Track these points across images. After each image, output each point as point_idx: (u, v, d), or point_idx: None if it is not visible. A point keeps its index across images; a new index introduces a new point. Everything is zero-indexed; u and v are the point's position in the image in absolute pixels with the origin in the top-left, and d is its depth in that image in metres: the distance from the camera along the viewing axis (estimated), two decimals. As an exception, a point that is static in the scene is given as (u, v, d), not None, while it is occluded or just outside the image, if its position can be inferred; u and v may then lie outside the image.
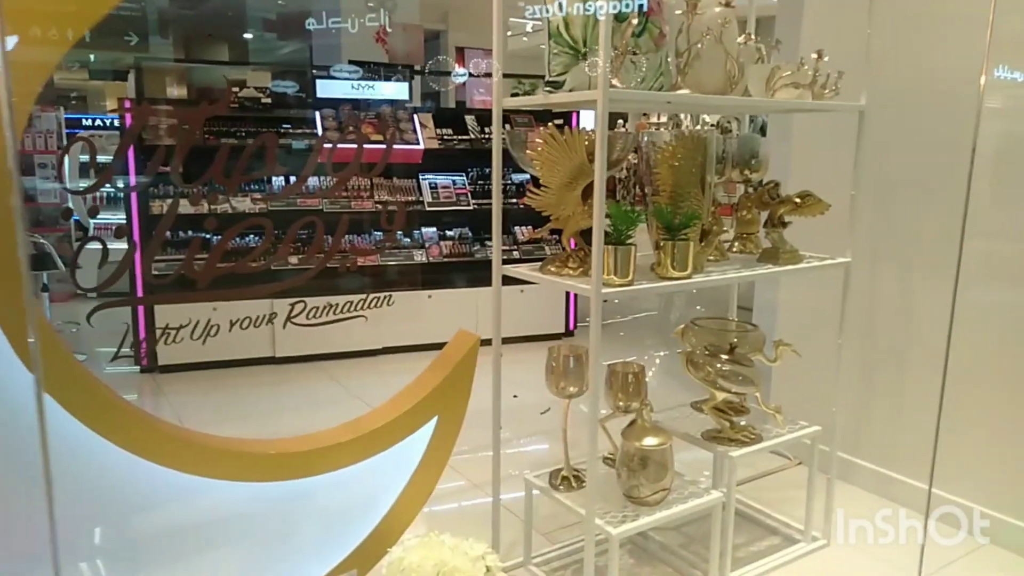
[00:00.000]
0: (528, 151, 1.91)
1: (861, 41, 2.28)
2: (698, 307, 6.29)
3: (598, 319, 1.76)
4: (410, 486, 1.93)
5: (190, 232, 4.25)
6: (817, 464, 2.40)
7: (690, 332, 2.37)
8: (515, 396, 4.02)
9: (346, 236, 4.53)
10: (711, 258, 2.28)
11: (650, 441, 2.03)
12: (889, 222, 2.72)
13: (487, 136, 4.84)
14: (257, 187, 4.33)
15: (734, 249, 2.43)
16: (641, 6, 1.90)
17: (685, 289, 1.93)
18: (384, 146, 4.44)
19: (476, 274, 4.50)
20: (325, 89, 4.51)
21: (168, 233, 4.25)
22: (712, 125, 2.42)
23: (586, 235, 1.96)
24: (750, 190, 2.34)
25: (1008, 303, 2.41)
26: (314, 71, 4.51)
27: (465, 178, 4.83)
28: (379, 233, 4.62)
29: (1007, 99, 2.41)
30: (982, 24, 2.33)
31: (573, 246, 2.01)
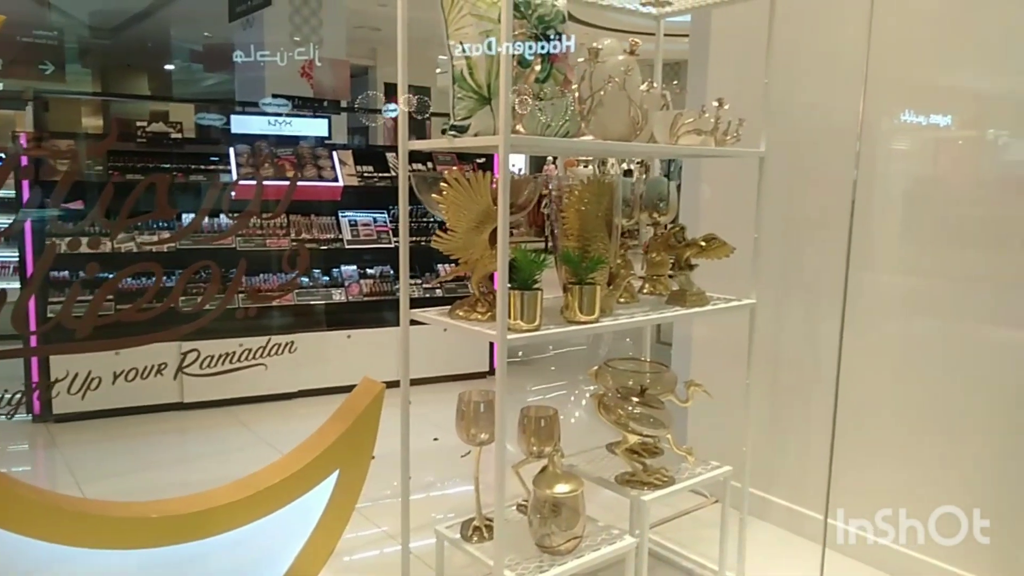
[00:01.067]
0: (433, 194, 1.88)
1: (763, 88, 2.36)
2: (627, 339, 6.36)
3: (503, 365, 1.72)
4: (310, 543, 1.83)
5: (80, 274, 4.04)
6: (731, 502, 2.42)
7: (604, 373, 2.36)
8: (436, 439, 3.94)
9: (260, 275, 4.41)
10: (621, 300, 2.29)
11: (561, 488, 2.00)
12: (794, 262, 2.81)
13: (412, 172, 4.81)
14: (167, 225, 4.16)
15: (644, 291, 2.45)
16: (545, 52, 1.91)
17: (592, 333, 1.92)
18: (301, 183, 4.35)
19: (397, 313, 4.40)
20: (240, 125, 4.39)
21: (68, 274, 4.05)
22: (638, 164, 2.45)
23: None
24: (659, 233, 2.37)
25: (917, 334, 2.50)
26: (235, 107, 4.40)
27: (387, 216, 4.77)
28: (293, 272, 4.49)
29: (912, 142, 2.55)
30: (874, 71, 2.47)
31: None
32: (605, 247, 2.03)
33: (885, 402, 2.57)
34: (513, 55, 1.79)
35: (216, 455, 3.80)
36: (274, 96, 5.14)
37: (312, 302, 4.46)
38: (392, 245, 4.65)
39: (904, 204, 2.57)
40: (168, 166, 4.10)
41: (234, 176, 4.17)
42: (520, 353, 5.81)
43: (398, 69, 1.97)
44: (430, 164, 4.85)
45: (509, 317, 1.79)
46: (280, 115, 4.28)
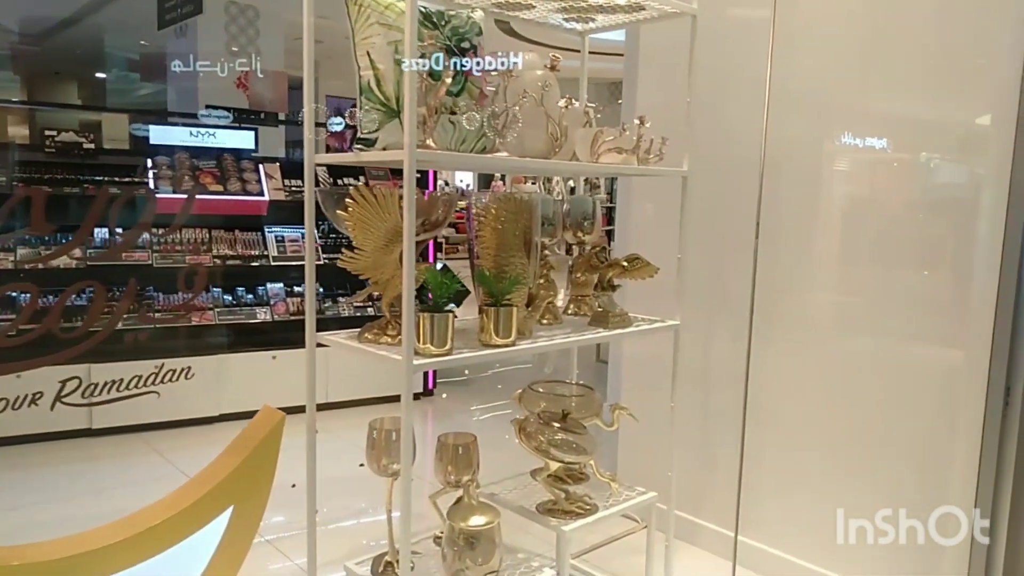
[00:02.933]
0: (339, 211, 1.78)
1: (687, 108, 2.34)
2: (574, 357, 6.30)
3: (409, 394, 1.62)
4: (202, 587, 1.69)
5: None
6: (658, 526, 2.36)
7: (528, 397, 2.28)
8: (362, 465, 3.79)
9: (178, 293, 4.21)
10: (544, 321, 2.22)
11: (477, 520, 1.90)
12: (725, 282, 2.79)
13: (340, 187, 4.68)
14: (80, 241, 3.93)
15: (569, 311, 2.39)
16: (459, 65, 1.84)
17: (509, 357, 1.84)
18: (224, 197, 4.18)
19: (327, 332, 4.26)
20: (161, 136, 4.20)
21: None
22: (585, 181, 2.39)
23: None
24: (583, 253, 2.31)
25: (855, 351, 2.49)
26: (169, 117, 4.19)
27: (316, 231, 4.62)
28: (217, 289, 4.31)
29: (851, 164, 2.56)
30: (814, 95, 2.48)
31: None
32: (523, 267, 1.96)
33: (813, 424, 2.56)
34: (427, 69, 1.71)
35: (128, 485, 3.57)
36: (208, 107, 4.95)
37: (235, 321, 4.27)
38: (321, 261, 4.50)
39: (843, 224, 2.58)
40: (79, 177, 3.88)
41: (151, 187, 3.98)
42: (466, 372, 5.70)
43: (303, 75, 1.87)
44: (361, 179, 4.73)
45: (418, 341, 1.69)
46: (203, 126, 4.10)
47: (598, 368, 5.47)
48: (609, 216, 5.45)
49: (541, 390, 2.30)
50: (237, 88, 7.12)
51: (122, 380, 3.73)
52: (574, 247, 2.42)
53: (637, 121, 2.12)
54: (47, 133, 3.86)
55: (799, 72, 2.53)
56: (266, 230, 4.47)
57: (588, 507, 2.18)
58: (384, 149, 1.74)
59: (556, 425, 2.12)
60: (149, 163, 4.11)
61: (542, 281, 2.27)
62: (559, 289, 2.30)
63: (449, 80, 1.70)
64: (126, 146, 3.86)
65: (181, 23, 7.82)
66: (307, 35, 1.85)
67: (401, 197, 1.77)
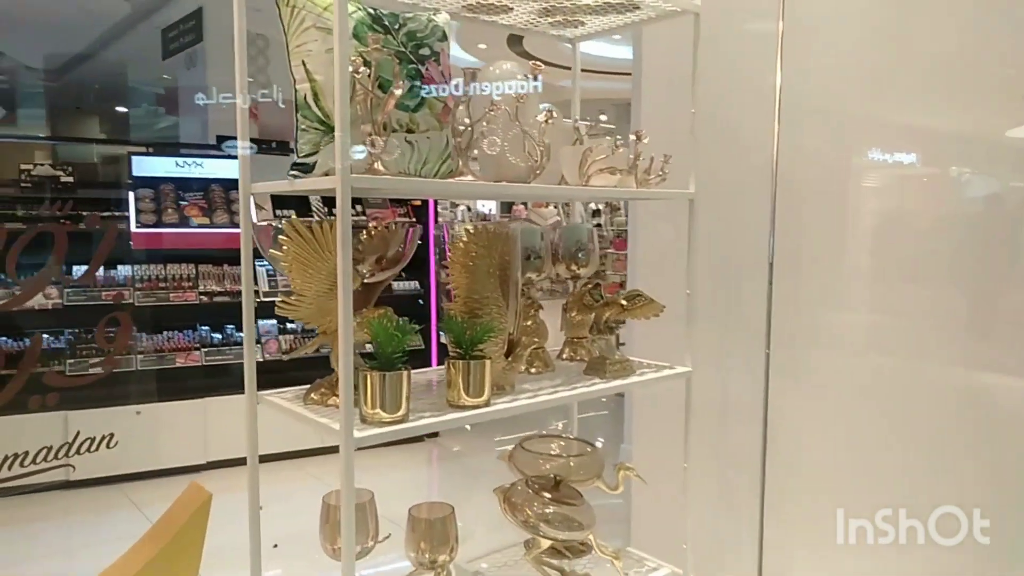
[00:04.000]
0: (272, 250, 1.50)
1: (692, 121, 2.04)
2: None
3: (350, 469, 1.32)
4: None
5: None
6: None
7: (519, 457, 1.97)
8: (275, 546, 3.49)
9: (164, 333, 3.97)
10: (533, 370, 1.91)
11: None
12: (739, 317, 2.46)
13: (333, 217, 4.43)
14: (55, 281, 3.71)
15: (564, 356, 2.08)
16: (414, 76, 1.56)
17: (481, 420, 1.53)
18: (210, 230, 3.94)
19: (322, 372, 3.98)
20: (142, 167, 3.99)
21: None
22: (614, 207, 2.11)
23: (365, 354, 1.55)
24: (575, 289, 2.01)
25: (887, 369, 2.15)
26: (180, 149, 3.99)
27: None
28: (206, 327, 4.07)
29: (881, 179, 2.26)
30: (844, 110, 2.18)
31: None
32: (499, 310, 1.66)
33: (840, 466, 2.21)
34: (372, 79, 1.44)
35: (102, 544, 3.31)
36: (219, 138, 4.76)
37: (223, 362, 4.02)
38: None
39: (884, 242, 2.27)
40: (54, 213, 3.68)
41: (132, 223, 3.76)
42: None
43: (236, 92, 1.60)
44: (359, 208, 4.48)
45: (366, 405, 1.40)
46: (190, 156, 3.89)
47: (615, 402, 5.13)
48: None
49: (534, 449, 1.99)
50: (250, 118, 6.97)
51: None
52: (569, 282, 2.12)
53: (633, 137, 1.82)
54: (22, 167, 3.67)
55: (819, 84, 2.23)
56: (256, 264, 4.22)
57: (587, 590, 1.86)
58: (325, 175, 1.46)
59: (547, 496, 1.80)
60: (132, 196, 3.90)
61: (530, 323, 1.97)
62: (547, 332, 1.99)
63: (399, 92, 1.42)
64: (71, 179, 3.64)
65: (189, 55, 7.71)
66: (239, 42, 1.59)
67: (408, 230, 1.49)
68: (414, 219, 4.50)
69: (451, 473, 4.50)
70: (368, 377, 1.39)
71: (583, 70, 2.29)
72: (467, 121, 1.50)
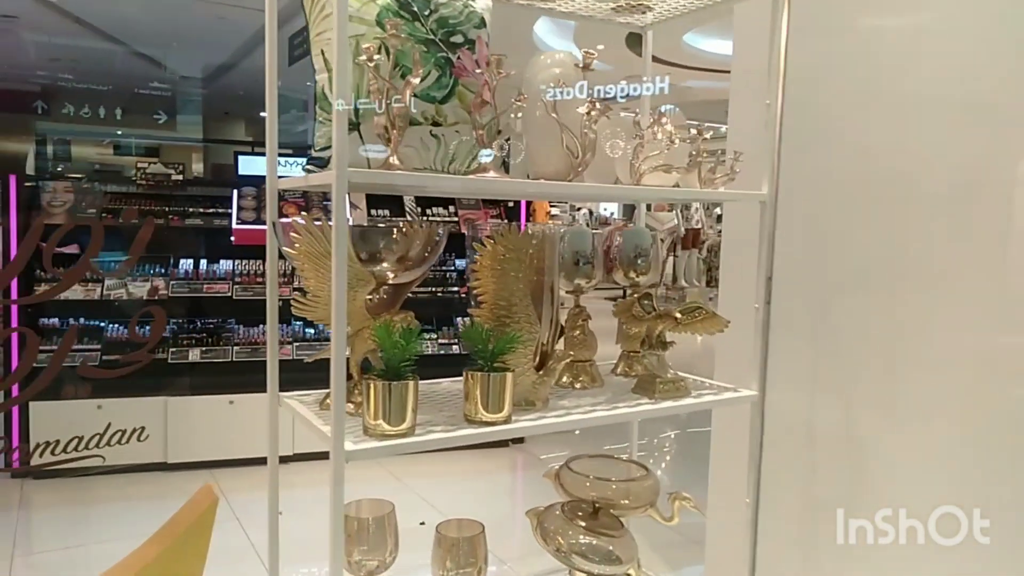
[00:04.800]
0: (284, 247, 1.44)
1: (781, 118, 1.82)
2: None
3: (339, 487, 1.23)
4: None
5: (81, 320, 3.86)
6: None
7: (566, 478, 1.83)
8: (423, 523, 3.45)
9: (258, 326, 4.10)
10: (577, 385, 1.77)
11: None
12: (831, 336, 2.18)
13: (428, 218, 4.43)
14: (163, 271, 3.93)
15: (618, 371, 1.92)
16: (443, 65, 1.46)
17: (499, 438, 1.41)
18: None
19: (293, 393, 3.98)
20: (248, 167, 4.15)
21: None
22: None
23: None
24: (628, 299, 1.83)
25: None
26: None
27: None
28: (299, 322, 4.17)
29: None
30: (996, 104, 1.86)
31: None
32: (529, 319, 1.52)
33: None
34: (390, 67, 1.35)
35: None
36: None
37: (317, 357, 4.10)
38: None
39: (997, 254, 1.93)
40: (166, 209, 3.89)
41: (234, 220, 3.91)
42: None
43: (267, 96, 1.56)
44: (452, 208, 4.46)
45: (369, 416, 1.31)
46: (288, 155, 4.01)
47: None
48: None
49: (580, 470, 1.83)
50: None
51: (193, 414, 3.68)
52: (628, 290, 1.95)
53: (694, 131, 1.63)
54: (138, 165, 3.91)
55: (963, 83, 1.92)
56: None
57: (628, 631, 1.69)
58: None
59: (582, 524, 1.64)
60: (235, 194, 4.06)
61: (577, 334, 1.82)
62: (596, 344, 1.83)
63: (416, 80, 1.32)
64: (180, 178, 3.83)
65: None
66: (270, 51, 1.55)
67: (359, 231, 1.41)
68: (506, 220, 4.42)
69: (530, 482, 4.38)
70: (371, 386, 1.30)
71: (709, 70, 2.10)
72: (492, 111, 1.38)
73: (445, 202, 4.45)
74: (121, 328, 3.83)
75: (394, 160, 1.32)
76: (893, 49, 1.96)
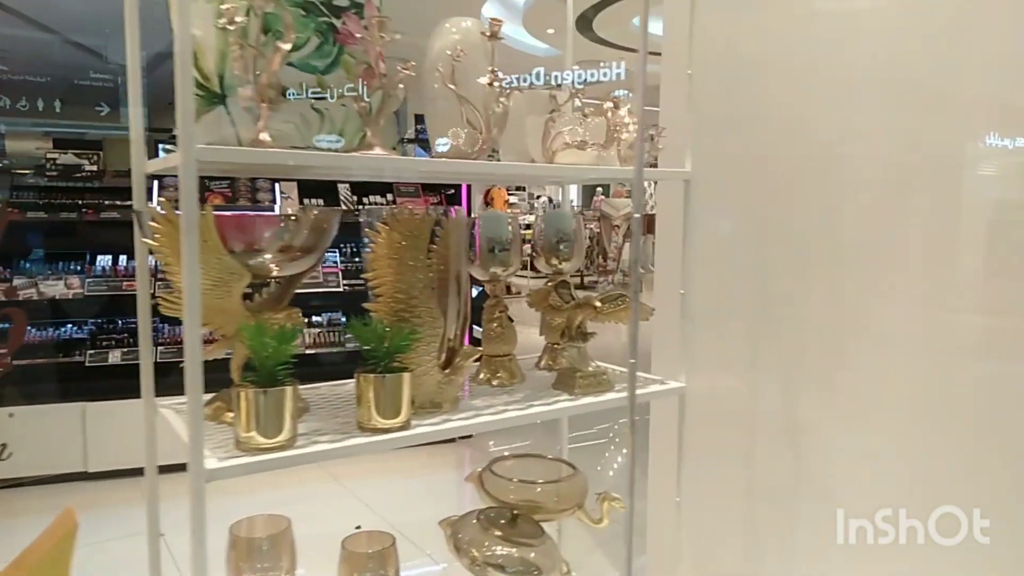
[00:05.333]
0: (144, 239, 1.28)
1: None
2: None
3: (200, 509, 1.08)
4: None
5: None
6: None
7: (488, 480, 1.70)
8: (358, 527, 3.31)
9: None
10: (495, 383, 1.63)
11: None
12: (772, 320, 2.09)
13: (365, 207, 4.25)
14: (78, 268, 3.68)
15: (541, 365, 1.79)
16: (325, 31, 1.30)
17: (396, 446, 1.26)
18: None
19: (350, 367, 3.80)
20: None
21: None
22: None
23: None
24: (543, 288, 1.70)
25: (1000, 376, 1.76)
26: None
27: (337, 255, 4.20)
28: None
29: (999, 167, 1.84)
30: (955, 90, 1.75)
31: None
32: (432, 313, 1.38)
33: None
34: (257, 33, 1.19)
35: (112, 541, 3.25)
36: None
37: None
38: (341, 289, 4.07)
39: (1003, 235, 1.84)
40: (77, 202, 3.64)
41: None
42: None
43: (128, 69, 1.38)
44: (390, 196, 4.28)
45: (242, 428, 1.16)
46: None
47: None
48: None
49: (504, 474, 1.70)
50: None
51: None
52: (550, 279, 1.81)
53: (610, 104, 1.50)
54: (48, 156, 3.65)
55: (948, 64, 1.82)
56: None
57: (551, 646, 1.57)
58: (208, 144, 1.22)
59: (498, 533, 1.51)
60: (156, 185, 3.83)
61: (495, 327, 1.68)
62: (516, 338, 1.70)
63: (288, 47, 1.16)
64: (95, 168, 3.59)
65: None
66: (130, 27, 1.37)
67: (223, 220, 1.25)
68: (445, 207, 4.26)
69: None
70: (242, 395, 1.15)
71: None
72: (377, 82, 1.23)
73: (383, 189, 4.28)
74: (35, 331, 3.58)
75: (264, 137, 1.17)
76: (831, 29, 1.86)
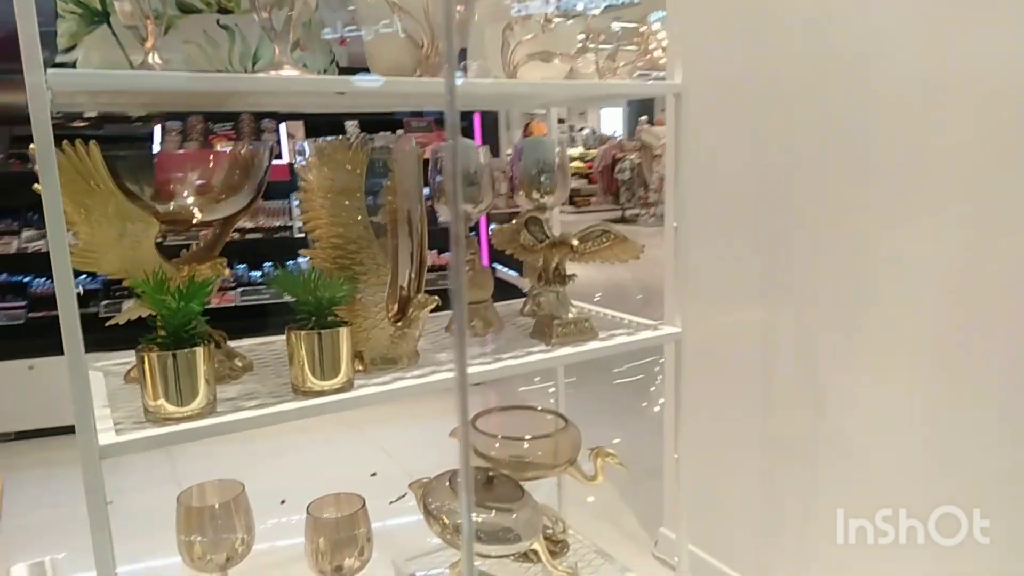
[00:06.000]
0: (35, 186, 1.12)
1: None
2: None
3: (98, 487, 0.96)
4: None
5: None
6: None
7: (472, 436, 1.57)
8: (374, 474, 3.24)
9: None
10: (481, 333, 1.47)
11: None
12: (787, 251, 1.86)
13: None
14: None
15: (525, 312, 1.62)
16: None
17: (336, 411, 1.12)
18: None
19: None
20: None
21: None
22: None
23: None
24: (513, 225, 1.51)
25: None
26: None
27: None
28: (242, 266, 3.88)
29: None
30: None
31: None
32: (376, 259, 1.21)
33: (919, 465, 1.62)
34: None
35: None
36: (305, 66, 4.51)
37: (260, 302, 3.83)
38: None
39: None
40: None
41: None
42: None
43: None
44: (400, 132, 4.07)
45: (149, 396, 1.02)
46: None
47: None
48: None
49: (489, 428, 1.57)
50: (340, 45, 6.76)
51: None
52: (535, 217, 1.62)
53: (579, 5, 1.28)
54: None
55: None
56: (293, 199, 3.95)
57: (533, 615, 1.45)
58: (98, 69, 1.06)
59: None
60: (158, 127, 3.71)
61: (468, 270, 1.51)
62: (491, 282, 1.52)
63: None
64: (95, 114, 3.48)
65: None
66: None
67: (116, 158, 1.09)
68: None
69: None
70: (144, 359, 1.01)
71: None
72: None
73: (394, 126, 4.08)
74: (47, 282, 3.55)
75: (152, 60, 0.99)
76: None
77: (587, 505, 2.76)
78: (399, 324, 1.25)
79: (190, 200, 1.19)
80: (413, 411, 4.07)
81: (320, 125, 3.98)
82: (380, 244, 1.23)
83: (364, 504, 1.46)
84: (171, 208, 1.17)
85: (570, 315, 1.39)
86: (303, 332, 1.11)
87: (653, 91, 1.43)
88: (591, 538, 1.74)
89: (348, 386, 1.15)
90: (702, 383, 2.11)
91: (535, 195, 1.55)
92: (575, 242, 1.35)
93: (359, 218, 1.18)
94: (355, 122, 4.03)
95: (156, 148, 3.62)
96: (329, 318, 1.14)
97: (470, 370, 1.24)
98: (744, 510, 2.01)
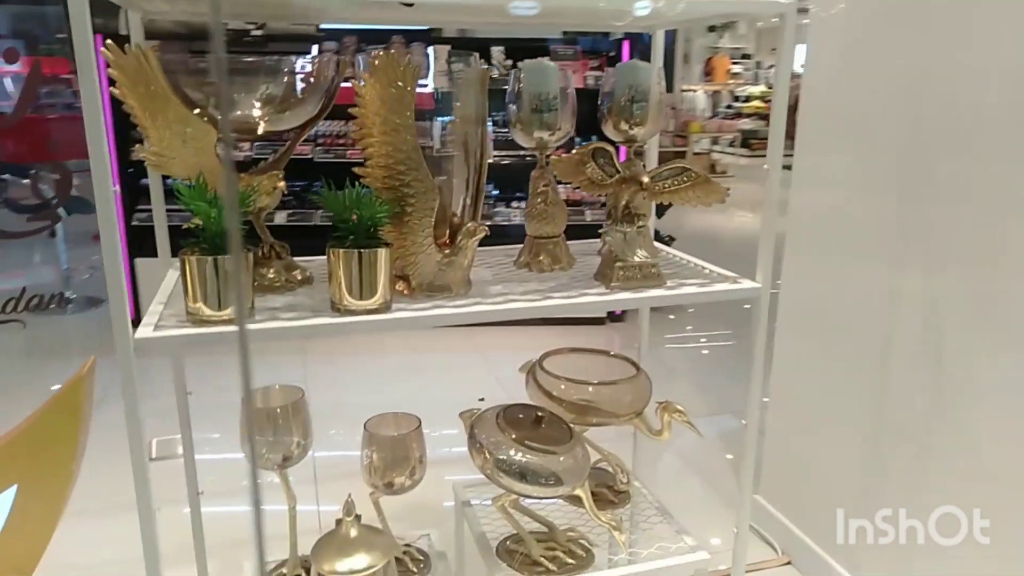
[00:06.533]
0: (112, 89, 1.17)
1: None
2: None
3: (131, 379, 1.02)
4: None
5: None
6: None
7: (539, 376, 1.54)
8: (481, 399, 3.28)
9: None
10: (535, 267, 1.41)
11: (353, 561, 1.27)
12: (923, 202, 1.60)
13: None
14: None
15: (603, 250, 1.52)
16: None
17: (370, 330, 1.12)
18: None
19: (502, 241, 3.70)
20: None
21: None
22: None
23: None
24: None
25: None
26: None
27: (491, 125, 4.02)
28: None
29: None
30: None
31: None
32: (424, 181, 1.17)
33: None
34: None
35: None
36: None
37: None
38: (491, 160, 3.91)
39: None
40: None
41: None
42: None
43: None
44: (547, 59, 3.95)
45: (189, 298, 1.07)
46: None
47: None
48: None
49: (557, 371, 1.52)
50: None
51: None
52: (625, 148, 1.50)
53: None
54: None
55: None
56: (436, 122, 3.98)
57: (574, 560, 1.41)
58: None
59: (512, 436, 1.34)
60: (315, 49, 3.86)
61: (538, 202, 1.44)
62: (564, 216, 1.44)
63: None
64: (260, 32, 3.64)
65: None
66: None
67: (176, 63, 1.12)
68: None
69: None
70: (185, 262, 1.05)
71: None
72: None
73: (540, 53, 3.97)
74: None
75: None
76: None
77: (693, 464, 2.66)
78: (447, 252, 1.22)
79: (252, 111, 1.21)
80: (537, 342, 4.12)
81: (466, 47, 3.96)
82: (432, 166, 1.19)
83: (419, 425, 1.47)
84: (232, 117, 1.19)
85: (636, 258, 1.29)
86: (341, 251, 1.11)
87: (760, 10, 1.24)
88: (666, 495, 1.66)
89: (384, 308, 1.14)
90: (810, 348, 1.92)
91: (623, 126, 1.43)
92: (646, 179, 1.23)
93: (408, 138, 1.14)
94: (501, 48, 3.97)
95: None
96: (367, 238, 1.12)
97: (513, 305, 1.18)
98: (841, 492, 1.83)
